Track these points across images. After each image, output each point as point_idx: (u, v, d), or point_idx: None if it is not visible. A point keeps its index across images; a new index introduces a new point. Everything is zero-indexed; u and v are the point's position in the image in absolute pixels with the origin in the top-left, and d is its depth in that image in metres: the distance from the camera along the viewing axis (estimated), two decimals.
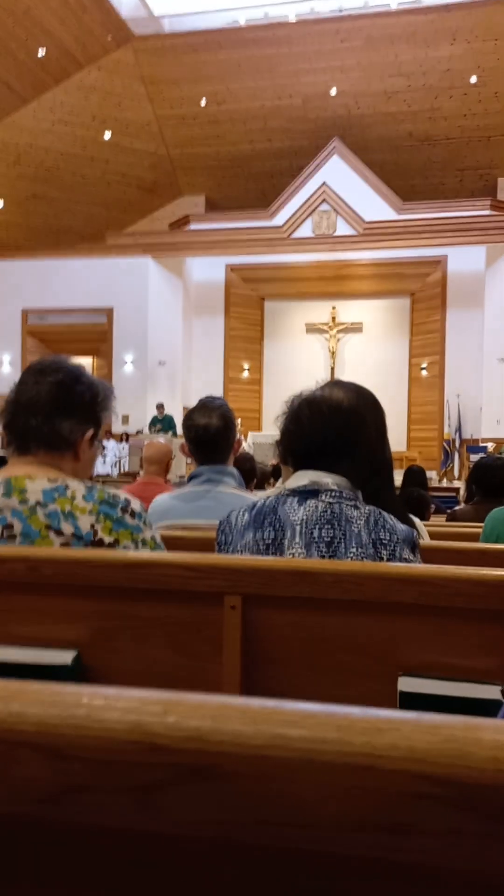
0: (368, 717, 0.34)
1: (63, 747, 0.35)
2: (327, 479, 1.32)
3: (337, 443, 1.35)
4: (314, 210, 13.75)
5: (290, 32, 12.80)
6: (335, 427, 1.35)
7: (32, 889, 0.38)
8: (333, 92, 13.42)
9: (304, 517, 1.30)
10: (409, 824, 0.32)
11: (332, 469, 1.34)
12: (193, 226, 14.55)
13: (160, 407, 13.31)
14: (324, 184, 13.68)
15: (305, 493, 1.32)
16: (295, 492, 1.33)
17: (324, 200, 13.71)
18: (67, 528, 1.32)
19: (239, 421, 12.79)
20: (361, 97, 13.62)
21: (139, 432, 13.14)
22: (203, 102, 13.68)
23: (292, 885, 0.35)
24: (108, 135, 13.93)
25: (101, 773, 0.35)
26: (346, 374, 14.59)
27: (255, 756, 0.33)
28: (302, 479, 1.34)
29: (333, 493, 1.30)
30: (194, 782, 0.34)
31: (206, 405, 2.26)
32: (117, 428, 13.68)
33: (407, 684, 1.10)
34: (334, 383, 1.43)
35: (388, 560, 1.27)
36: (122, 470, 12.58)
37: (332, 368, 14.74)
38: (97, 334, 14.61)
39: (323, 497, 1.30)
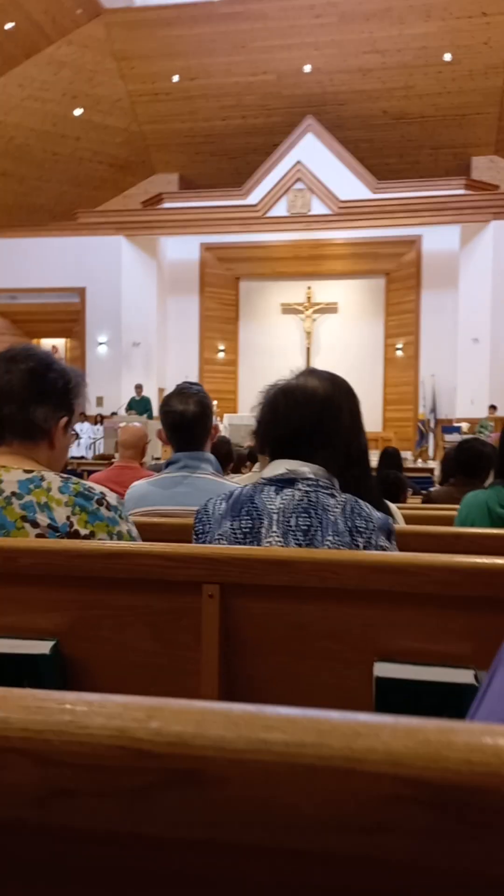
0: (347, 721, 0.35)
1: (48, 753, 0.36)
2: (304, 468, 1.33)
3: (313, 431, 1.36)
4: (289, 189, 13.67)
5: (264, 8, 12.61)
6: (311, 415, 1.36)
7: (19, 891, 0.39)
8: (308, 69, 13.28)
9: (281, 506, 1.31)
10: (387, 824, 0.33)
11: (309, 457, 1.35)
12: (167, 204, 14.40)
13: (139, 388, 13.21)
14: (298, 162, 13.59)
15: (282, 482, 1.33)
16: (272, 481, 1.34)
17: (298, 179, 13.63)
18: (43, 519, 1.32)
19: (215, 403, 12.81)
20: (336, 74, 13.50)
21: (114, 414, 13.05)
22: (176, 78, 13.47)
23: (276, 881, 0.36)
24: (79, 111, 13.66)
25: (87, 778, 0.36)
26: (322, 355, 14.61)
27: (236, 760, 0.34)
28: (278, 467, 1.35)
29: (310, 482, 1.32)
30: (179, 786, 0.34)
31: (183, 391, 2.26)
32: (92, 410, 13.58)
33: (383, 670, 1.12)
34: (309, 372, 1.44)
35: (365, 547, 1.29)
36: (96, 452, 12.51)
37: (308, 349, 14.75)
38: (70, 315, 14.44)
39: (300, 486, 1.31)
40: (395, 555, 1.20)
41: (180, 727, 0.35)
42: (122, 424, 10.06)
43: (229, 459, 4.01)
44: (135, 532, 1.45)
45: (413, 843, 0.32)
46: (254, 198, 13.79)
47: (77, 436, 11.40)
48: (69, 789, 0.35)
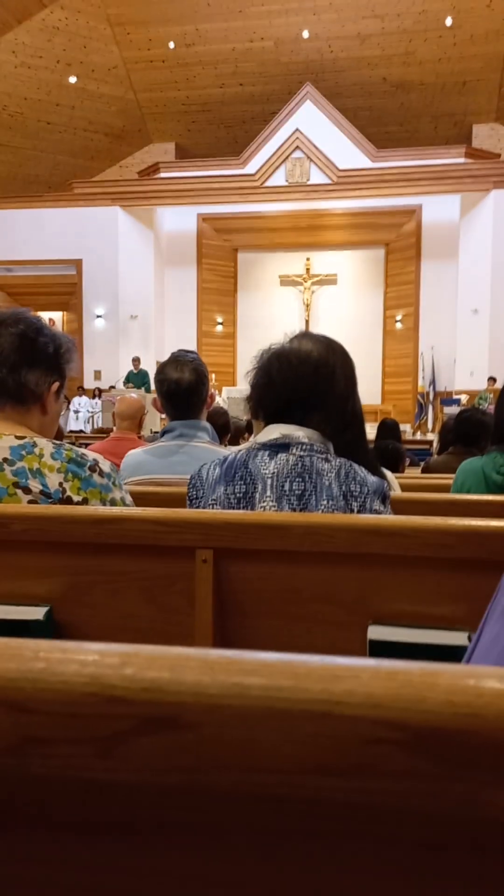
0: (325, 665, 0.34)
1: (22, 700, 0.35)
2: (298, 433, 1.32)
3: (307, 395, 1.34)
4: (287, 157, 13.47)
5: None
6: (305, 379, 1.34)
7: None
8: (306, 34, 13.03)
9: (275, 470, 1.30)
10: (367, 768, 0.32)
11: (303, 421, 1.34)
12: (163, 174, 14.20)
13: (136, 361, 13.13)
14: (297, 130, 13.39)
15: (276, 447, 1.32)
16: (266, 445, 1.33)
17: (297, 147, 13.43)
18: (35, 485, 1.30)
19: (213, 376, 12.79)
20: (334, 40, 13.25)
21: (112, 387, 13.00)
22: (171, 45, 13.21)
23: (256, 826, 0.36)
24: (73, 79, 13.43)
25: (62, 726, 0.35)
26: (321, 327, 14.51)
27: (212, 705, 0.33)
28: (272, 432, 1.33)
29: (304, 447, 1.30)
30: (155, 732, 0.34)
31: (179, 359, 2.23)
32: (90, 383, 13.53)
33: (377, 633, 1.12)
34: (303, 335, 1.42)
35: (359, 512, 1.28)
36: (94, 426, 12.49)
37: (307, 321, 14.65)
38: (66, 287, 14.32)
39: (294, 450, 1.30)
40: (388, 518, 1.20)
41: (155, 673, 0.34)
42: (118, 397, 10.04)
43: (227, 430, 4.00)
44: (129, 499, 1.44)
45: (395, 786, 0.32)
46: (252, 167, 13.60)
47: (68, 403, 11.36)
48: (44, 737, 0.35)
